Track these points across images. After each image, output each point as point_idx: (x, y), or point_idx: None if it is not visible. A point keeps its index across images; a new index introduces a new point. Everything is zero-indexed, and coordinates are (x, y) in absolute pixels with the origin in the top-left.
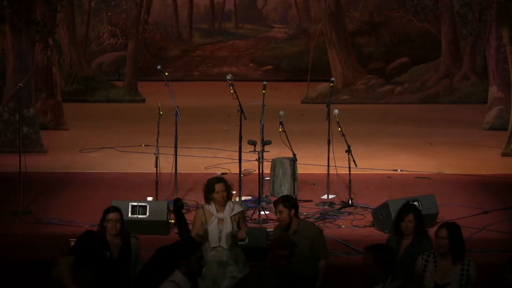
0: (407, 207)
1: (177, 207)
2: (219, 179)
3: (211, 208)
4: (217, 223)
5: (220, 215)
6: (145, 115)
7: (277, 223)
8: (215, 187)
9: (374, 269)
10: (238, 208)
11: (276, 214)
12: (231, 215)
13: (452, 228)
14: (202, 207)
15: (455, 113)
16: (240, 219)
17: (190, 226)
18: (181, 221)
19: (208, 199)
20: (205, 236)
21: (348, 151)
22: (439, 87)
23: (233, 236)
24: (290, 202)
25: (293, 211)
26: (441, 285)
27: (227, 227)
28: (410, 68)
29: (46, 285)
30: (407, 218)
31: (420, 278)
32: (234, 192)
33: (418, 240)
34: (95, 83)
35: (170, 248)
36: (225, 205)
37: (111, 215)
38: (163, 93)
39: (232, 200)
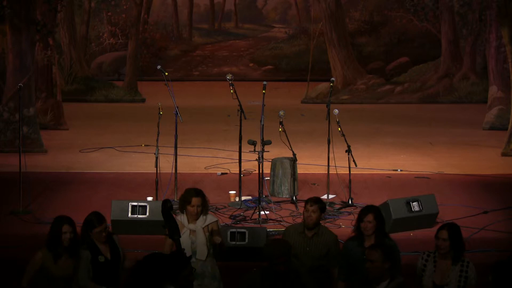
0: (368, 208)
1: (166, 208)
2: (198, 192)
3: (183, 218)
4: (189, 234)
5: (192, 226)
6: (145, 115)
7: (292, 224)
8: (192, 201)
9: (380, 266)
10: (211, 219)
11: (305, 211)
12: (203, 226)
13: (452, 229)
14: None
15: (455, 113)
16: (213, 229)
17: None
18: (170, 223)
19: (182, 209)
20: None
21: (348, 151)
22: (439, 87)
23: (208, 248)
24: (322, 205)
25: (321, 215)
26: (440, 286)
27: (200, 238)
28: (410, 68)
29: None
30: (366, 218)
31: (420, 278)
32: (234, 192)
33: (381, 241)
34: (95, 83)
35: (158, 260)
36: (197, 218)
37: (99, 229)
38: (163, 93)
39: (232, 200)
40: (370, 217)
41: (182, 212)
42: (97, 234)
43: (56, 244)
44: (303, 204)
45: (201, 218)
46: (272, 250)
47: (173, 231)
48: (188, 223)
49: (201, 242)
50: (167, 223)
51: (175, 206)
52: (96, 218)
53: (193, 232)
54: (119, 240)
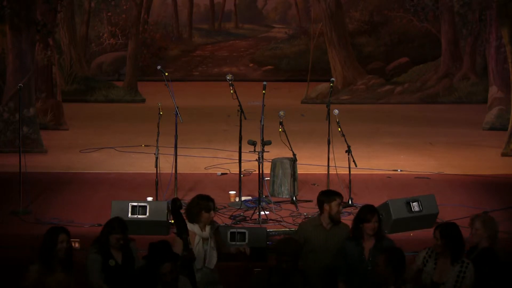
0: (371, 208)
1: (176, 207)
2: (209, 197)
3: (195, 227)
4: (202, 243)
5: (205, 234)
6: (145, 115)
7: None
8: (210, 206)
9: (384, 271)
10: (214, 225)
11: (335, 206)
12: (212, 232)
13: (446, 229)
14: None
15: (455, 113)
16: (216, 235)
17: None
18: (179, 221)
19: (194, 218)
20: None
21: (348, 151)
22: (439, 87)
23: (216, 255)
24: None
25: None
26: (437, 284)
27: (212, 247)
28: (410, 68)
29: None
30: (374, 218)
31: (419, 273)
32: (234, 192)
33: (380, 240)
34: (95, 83)
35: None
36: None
37: (118, 236)
38: (163, 93)
39: (232, 200)
40: (376, 217)
41: (193, 222)
42: (115, 240)
43: (51, 256)
44: (303, 204)
45: (209, 224)
46: (278, 247)
47: (181, 229)
48: (201, 231)
49: (212, 250)
50: (176, 221)
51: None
52: (118, 226)
53: (205, 240)
54: (136, 246)
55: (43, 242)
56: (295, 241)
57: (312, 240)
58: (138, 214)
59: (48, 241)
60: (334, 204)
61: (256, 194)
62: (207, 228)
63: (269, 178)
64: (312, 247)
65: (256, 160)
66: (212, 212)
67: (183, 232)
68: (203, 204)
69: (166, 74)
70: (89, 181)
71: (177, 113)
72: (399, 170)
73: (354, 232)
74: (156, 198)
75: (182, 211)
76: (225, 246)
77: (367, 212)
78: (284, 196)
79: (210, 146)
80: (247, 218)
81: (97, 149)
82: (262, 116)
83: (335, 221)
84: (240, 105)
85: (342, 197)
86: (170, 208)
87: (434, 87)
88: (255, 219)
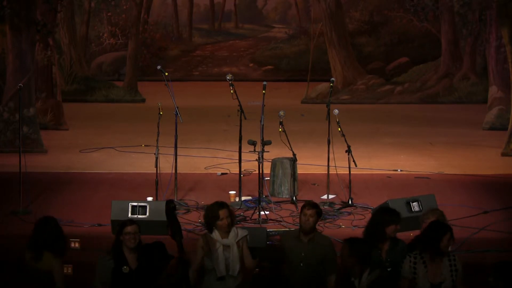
0: (397, 214)
1: (170, 208)
2: (222, 204)
3: (215, 234)
4: (223, 250)
5: (226, 241)
6: (145, 115)
7: (293, 228)
8: (219, 214)
9: (349, 260)
10: (243, 233)
11: (302, 215)
12: (236, 240)
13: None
14: (205, 235)
15: (455, 113)
16: (243, 244)
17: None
18: (174, 223)
19: (211, 227)
20: (209, 266)
21: (348, 151)
22: (439, 87)
23: (240, 263)
24: (319, 210)
25: (317, 220)
26: (436, 284)
27: (234, 254)
28: (410, 68)
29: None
30: (397, 226)
31: (412, 281)
32: (234, 192)
33: (395, 242)
34: (95, 83)
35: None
36: (229, 231)
37: (129, 228)
38: (163, 93)
39: (232, 200)
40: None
41: (211, 232)
42: (128, 236)
43: (43, 244)
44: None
45: (233, 231)
46: (265, 253)
47: (176, 232)
48: (221, 238)
49: (235, 258)
50: (170, 223)
51: (196, 223)
52: (129, 220)
53: (226, 248)
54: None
55: (41, 232)
56: (278, 249)
57: (290, 252)
58: (138, 214)
59: (41, 230)
60: (306, 212)
61: (256, 194)
62: (231, 235)
63: (269, 178)
64: (290, 259)
65: (256, 160)
66: (225, 219)
67: (177, 234)
68: (213, 213)
69: (166, 74)
70: (89, 181)
71: (177, 113)
72: (399, 170)
73: (376, 234)
74: (156, 198)
75: (183, 211)
76: (248, 259)
77: (392, 217)
78: (284, 196)
79: (210, 146)
80: (247, 218)
81: (97, 149)
82: (262, 116)
83: (303, 230)
84: (240, 105)
85: (313, 207)
86: (165, 209)
87: (434, 87)
88: (255, 219)
